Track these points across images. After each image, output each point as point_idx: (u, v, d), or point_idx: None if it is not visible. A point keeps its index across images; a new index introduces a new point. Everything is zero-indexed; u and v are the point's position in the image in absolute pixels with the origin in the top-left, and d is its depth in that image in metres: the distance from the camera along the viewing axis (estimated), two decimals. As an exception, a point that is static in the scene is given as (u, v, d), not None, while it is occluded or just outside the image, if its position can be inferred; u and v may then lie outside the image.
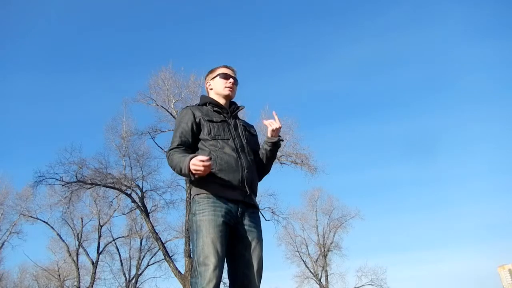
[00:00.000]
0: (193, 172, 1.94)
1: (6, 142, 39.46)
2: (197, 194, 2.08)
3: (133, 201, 15.03)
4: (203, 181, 2.06)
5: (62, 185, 14.41)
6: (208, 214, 1.98)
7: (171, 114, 15.67)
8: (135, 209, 16.06)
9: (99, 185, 14.60)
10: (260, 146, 2.38)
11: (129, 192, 15.07)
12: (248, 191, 2.10)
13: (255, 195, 2.20)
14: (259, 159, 2.33)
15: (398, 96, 67.17)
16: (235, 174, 2.07)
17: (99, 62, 48.38)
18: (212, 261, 1.86)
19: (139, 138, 16.03)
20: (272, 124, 2.28)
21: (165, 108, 15.82)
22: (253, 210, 2.16)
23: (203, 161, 1.92)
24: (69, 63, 46.63)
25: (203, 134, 2.17)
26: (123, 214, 18.86)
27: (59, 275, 24.06)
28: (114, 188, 14.96)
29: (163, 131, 15.73)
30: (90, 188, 15.09)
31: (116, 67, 49.07)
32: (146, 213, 14.82)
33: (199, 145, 2.17)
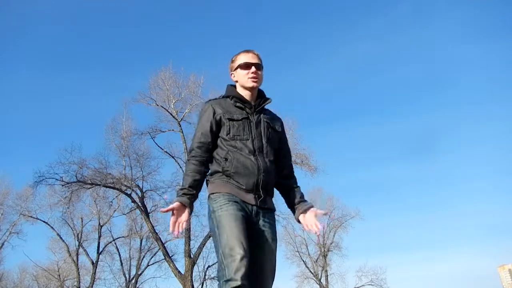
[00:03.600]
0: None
1: (6, 142, 39.47)
2: (213, 193, 2.06)
3: (133, 201, 15.03)
4: (218, 182, 2.07)
5: (62, 185, 14.43)
6: (227, 209, 1.95)
7: (171, 114, 15.69)
8: (135, 209, 16.06)
9: (99, 185, 14.60)
10: (294, 198, 2.22)
11: (129, 192, 15.08)
12: (262, 195, 2.06)
13: (272, 196, 2.16)
14: (286, 179, 2.26)
15: (398, 96, 67.21)
16: (250, 178, 2.04)
17: (99, 62, 48.36)
18: (238, 251, 1.80)
19: (139, 138, 16.09)
20: (315, 229, 2.13)
21: (165, 108, 15.84)
22: (268, 210, 2.11)
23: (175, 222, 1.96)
24: (69, 63, 46.62)
25: (223, 133, 2.12)
26: (123, 214, 18.86)
27: (59, 275, 24.06)
28: (114, 188, 14.97)
29: (163, 131, 15.77)
30: (90, 188, 15.11)
31: (116, 67, 49.02)
32: (146, 213, 14.83)
33: (218, 142, 2.13)
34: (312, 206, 2.19)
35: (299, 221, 2.19)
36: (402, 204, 59.96)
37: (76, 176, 14.40)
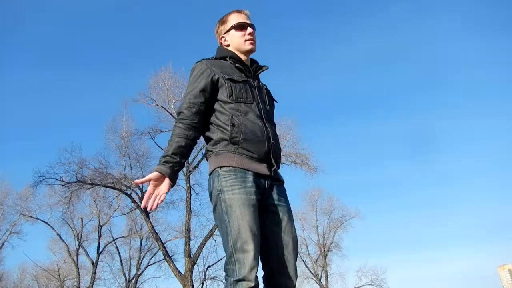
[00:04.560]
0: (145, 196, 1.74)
1: (6, 142, 39.47)
2: (220, 167, 1.78)
3: (133, 201, 15.03)
4: (225, 152, 1.80)
5: (62, 185, 14.44)
6: (239, 192, 1.72)
7: (171, 114, 15.67)
8: (135, 209, 16.07)
9: (99, 185, 14.61)
10: None
11: (129, 192, 15.09)
12: (274, 164, 1.85)
13: (279, 168, 1.94)
14: None
15: (397, 95, 67.21)
16: (260, 145, 1.81)
17: (99, 62, 48.41)
18: (251, 247, 1.63)
19: (139, 138, 16.11)
20: None
21: (165, 108, 15.85)
22: (280, 183, 1.92)
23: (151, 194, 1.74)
24: (69, 63, 46.66)
25: (222, 96, 1.85)
26: (123, 214, 18.86)
27: (59, 275, 24.06)
28: (114, 188, 14.97)
29: (163, 131, 15.76)
30: (90, 188, 15.11)
31: (116, 67, 49.08)
32: (146, 213, 14.81)
33: (217, 107, 1.85)
34: None
35: None
36: (402, 204, 60.19)
37: (76, 176, 14.42)
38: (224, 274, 1.72)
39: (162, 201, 1.76)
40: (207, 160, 1.91)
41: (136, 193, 15.30)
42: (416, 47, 67.30)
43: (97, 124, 46.54)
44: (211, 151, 1.85)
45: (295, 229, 1.87)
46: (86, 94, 43.12)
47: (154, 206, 1.75)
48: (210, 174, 1.84)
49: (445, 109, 68.46)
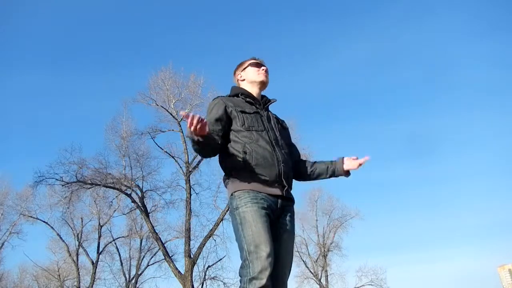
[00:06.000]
0: (192, 131, 1.79)
1: (6, 142, 39.47)
2: (236, 191, 2.01)
3: (133, 201, 15.01)
4: (240, 178, 2.01)
5: (62, 185, 14.40)
6: (252, 206, 1.91)
7: (171, 114, 15.68)
8: (135, 209, 16.04)
9: (99, 185, 14.59)
10: (321, 163, 2.31)
11: (129, 192, 15.07)
12: (286, 185, 2.05)
13: (291, 189, 2.14)
14: (299, 162, 2.31)
15: (398, 96, 67.21)
16: (271, 169, 2.00)
17: (99, 62, 48.37)
18: (263, 249, 1.79)
19: (139, 138, 16.05)
20: (361, 163, 2.26)
21: (165, 108, 15.85)
22: (290, 203, 2.12)
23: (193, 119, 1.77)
24: (69, 63, 46.68)
25: (236, 125, 2.08)
26: (123, 214, 18.80)
27: (59, 275, 24.05)
28: (114, 188, 14.95)
29: (163, 131, 15.76)
30: (90, 188, 15.08)
31: (116, 67, 49.04)
32: (146, 213, 14.81)
33: (232, 136, 2.08)
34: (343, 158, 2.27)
35: (346, 172, 2.30)
36: (402, 204, 60.03)
37: (76, 176, 14.38)
38: (239, 277, 1.85)
39: (204, 122, 1.80)
40: (225, 186, 2.11)
41: (136, 193, 15.30)
42: (416, 46, 67.29)
43: (97, 124, 46.47)
44: (228, 178, 2.08)
45: (292, 251, 2.10)
46: (86, 94, 43.09)
47: (198, 126, 1.79)
48: (229, 199, 2.06)
49: (445, 110, 68.44)
